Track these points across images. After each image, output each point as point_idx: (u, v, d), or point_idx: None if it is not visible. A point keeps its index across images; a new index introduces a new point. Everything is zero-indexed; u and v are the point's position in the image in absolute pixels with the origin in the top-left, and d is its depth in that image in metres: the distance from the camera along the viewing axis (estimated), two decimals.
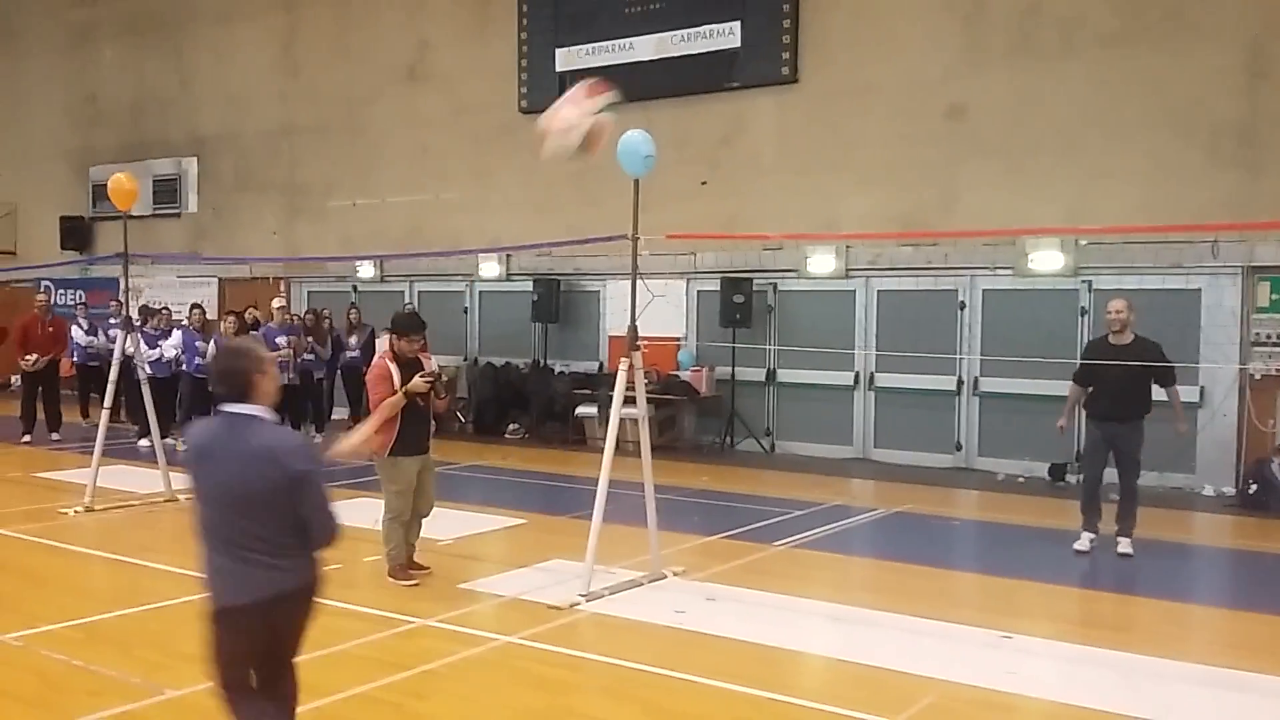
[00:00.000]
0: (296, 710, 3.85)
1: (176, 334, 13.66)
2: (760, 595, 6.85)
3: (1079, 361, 8.77)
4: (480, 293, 16.41)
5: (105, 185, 10.01)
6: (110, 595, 6.94)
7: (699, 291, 14.43)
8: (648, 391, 7.50)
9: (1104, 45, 11.82)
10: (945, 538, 9.34)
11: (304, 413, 13.90)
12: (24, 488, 10.80)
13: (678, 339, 14.41)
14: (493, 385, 15.42)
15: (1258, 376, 11.11)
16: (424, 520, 7.16)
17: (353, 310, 15.02)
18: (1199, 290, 11.45)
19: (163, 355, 13.53)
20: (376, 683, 5.12)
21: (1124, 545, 8.22)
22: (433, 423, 7.11)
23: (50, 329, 14.48)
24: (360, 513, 7.55)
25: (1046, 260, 11.92)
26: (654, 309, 12.31)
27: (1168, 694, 5.23)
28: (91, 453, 9.62)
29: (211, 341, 12.85)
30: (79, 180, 20.76)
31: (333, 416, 14.93)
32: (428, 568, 7.14)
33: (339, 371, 14.75)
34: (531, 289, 15.22)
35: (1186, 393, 10.57)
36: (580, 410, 14.30)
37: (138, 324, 13.19)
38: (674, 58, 14.38)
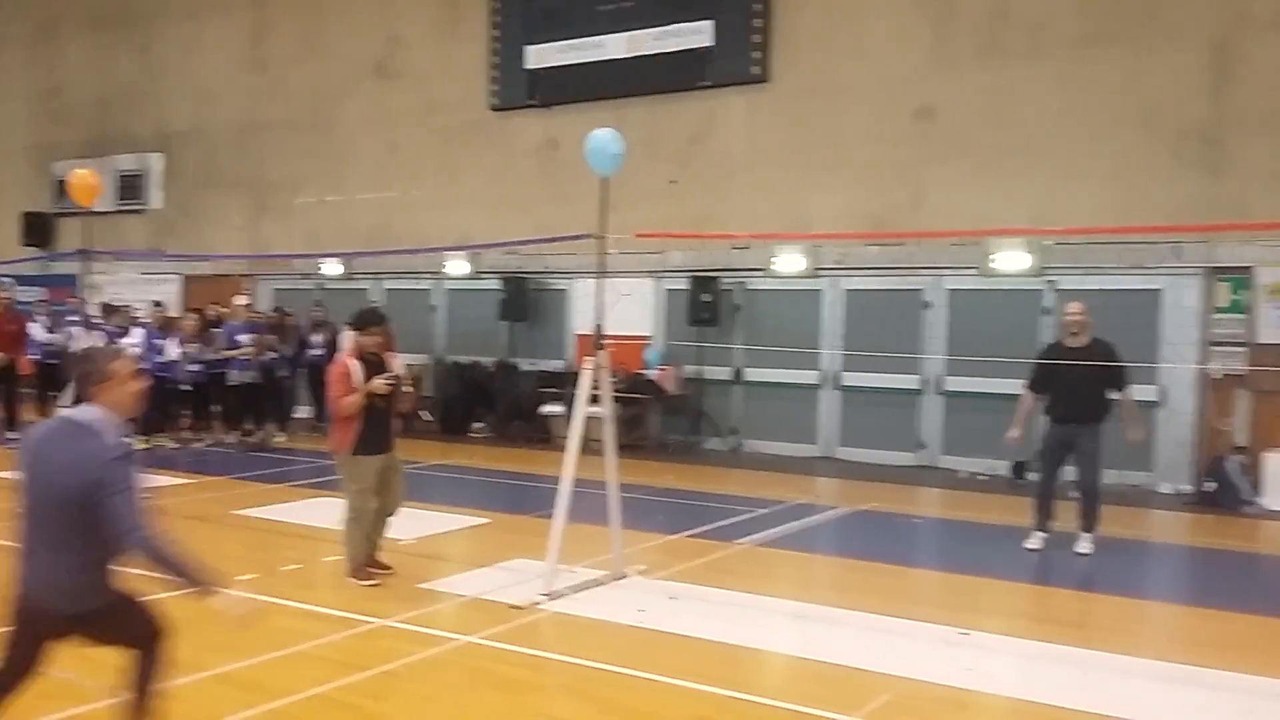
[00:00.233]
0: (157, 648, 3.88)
1: (137, 331, 13.49)
2: (722, 593, 6.86)
3: (1036, 363, 8.60)
4: (448, 291, 16.34)
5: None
6: None
7: (667, 290, 14.44)
8: (614, 390, 7.49)
9: (1071, 47, 11.94)
10: (907, 535, 9.41)
11: (266, 411, 13.78)
12: None
13: (645, 338, 14.42)
14: (459, 384, 15.37)
15: (1221, 376, 11.24)
16: (389, 520, 7.12)
17: (316, 308, 14.90)
18: (1160, 291, 11.59)
19: None
20: (334, 683, 5.08)
21: (1084, 544, 8.25)
22: (398, 422, 7.06)
23: (11, 326, 14.25)
24: (321, 512, 7.50)
25: (1011, 260, 12.01)
26: (622, 308, 12.35)
27: (1123, 689, 5.27)
28: None
29: (175, 340, 12.72)
30: (41, 175, 20.49)
31: (296, 415, 14.83)
32: (390, 567, 7.10)
33: (303, 369, 14.62)
34: (500, 287, 15.17)
35: (1147, 392, 10.72)
36: (546, 409, 14.27)
37: (98, 321, 13.01)
38: (645, 56, 14.39)
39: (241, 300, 14.21)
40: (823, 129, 13.32)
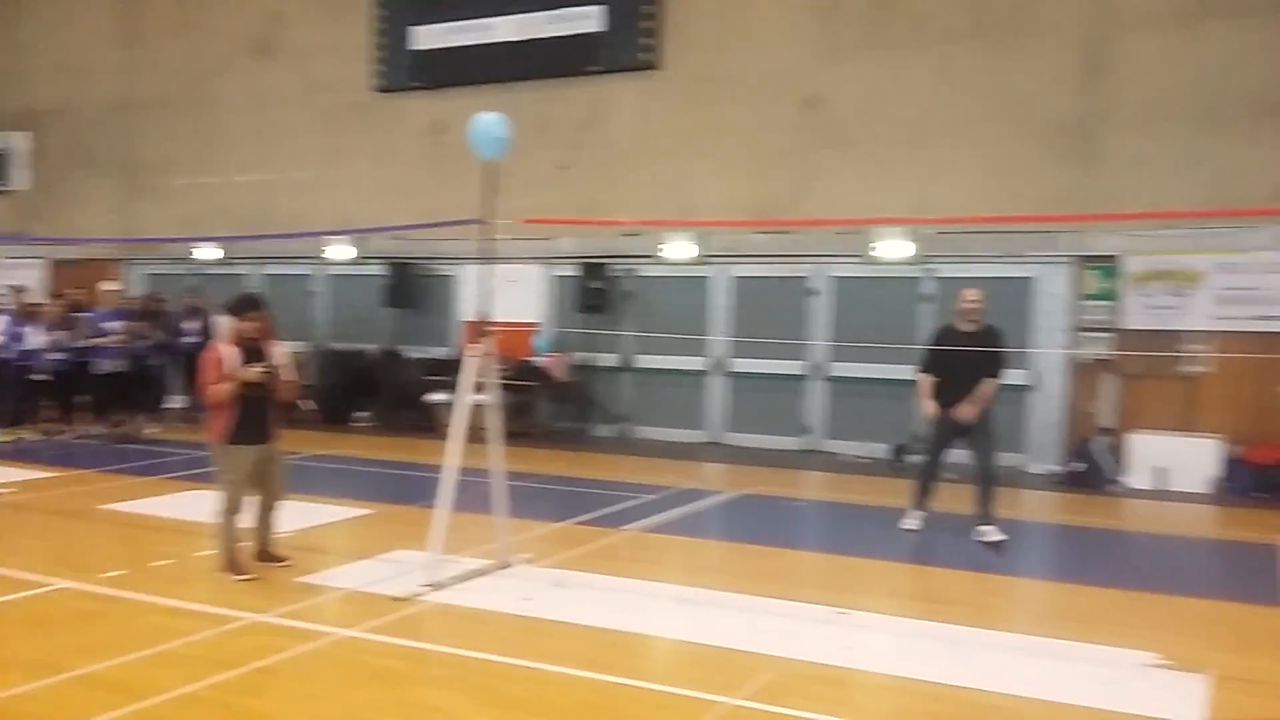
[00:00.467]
0: None
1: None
2: (608, 580, 6.86)
3: (926, 348, 8.54)
4: (331, 276, 15.95)
5: None
6: None
7: (557, 277, 14.36)
8: (502, 378, 7.41)
9: (951, 41, 12.25)
10: (790, 518, 9.57)
11: (137, 401, 13.24)
12: None
13: (534, 325, 14.32)
14: (341, 372, 15.03)
15: (1091, 361, 11.70)
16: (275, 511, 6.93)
17: (190, 294, 14.38)
18: (1032, 279, 12.00)
19: None
20: (205, 682, 4.90)
21: (991, 533, 8.08)
22: (277, 411, 6.83)
23: None
24: (196, 506, 7.24)
25: (893, 249, 12.28)
26: (510, 294, 12.22)
27: (994, 663, 5.44)
28: None
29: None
30: None
31: (169, 405, 14.28)
32: (287, 559, 6.91)
33: (176, 357, 14.08)
34: (384, 273, 14.87)
35: (1020, 377, 11.09)
36: (432, 397, 14.05)
37: None
38: (535, 40, 14.24)
39: (109, 286, 13.62)
40: (712, 117, 13.39)
